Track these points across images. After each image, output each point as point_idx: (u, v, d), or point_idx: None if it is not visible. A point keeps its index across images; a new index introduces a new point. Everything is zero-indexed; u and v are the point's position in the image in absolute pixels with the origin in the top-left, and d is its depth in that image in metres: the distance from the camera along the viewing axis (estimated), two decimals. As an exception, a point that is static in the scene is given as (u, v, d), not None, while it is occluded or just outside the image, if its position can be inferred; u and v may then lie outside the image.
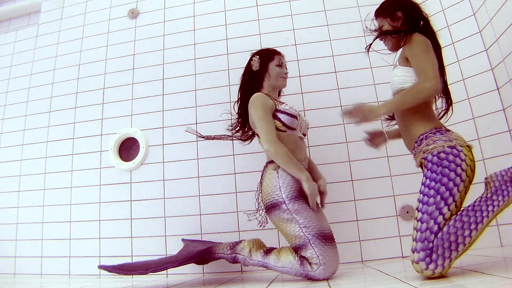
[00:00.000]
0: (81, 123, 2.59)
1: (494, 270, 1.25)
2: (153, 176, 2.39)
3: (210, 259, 1.75)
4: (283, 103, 1.80)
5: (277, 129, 1.72)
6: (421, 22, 1.51)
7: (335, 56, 2.42)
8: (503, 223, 1.92)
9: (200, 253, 1.73)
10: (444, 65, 1.56)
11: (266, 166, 1.76)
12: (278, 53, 1.92)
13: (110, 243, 2.33)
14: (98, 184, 2.44)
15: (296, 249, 1.56)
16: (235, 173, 2.30)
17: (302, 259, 1.53)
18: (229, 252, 1.68)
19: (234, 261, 1.68)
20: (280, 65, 1.88)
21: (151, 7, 2.77)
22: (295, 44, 2.49)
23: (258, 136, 1.81)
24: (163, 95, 2.53)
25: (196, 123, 2.43)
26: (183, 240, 2.15)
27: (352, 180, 2.20)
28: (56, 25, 2.91)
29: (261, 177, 1.76)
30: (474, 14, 2.17)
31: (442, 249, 1.20)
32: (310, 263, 1.51)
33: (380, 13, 1.61)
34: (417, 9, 1.56)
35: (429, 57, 1.39)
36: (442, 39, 2.24)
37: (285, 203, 1.60)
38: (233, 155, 2.31)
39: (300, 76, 2.41)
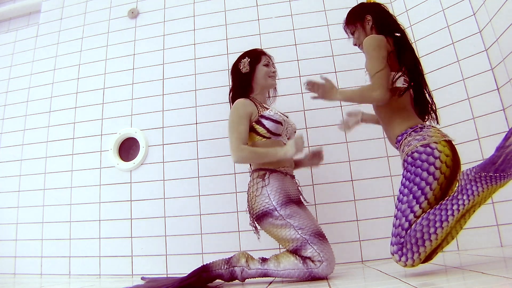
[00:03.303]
0: (81, 123, 2.59)
1: (494, 270, 1.25)
2: (153, 176, 2.39)
3: (208, 278, 1.62)
4: (268, 108, 1.80)
5: (262, 135, 1.72)
6: (391, 25, 1.58)
7: (335, 56, 2.42)
8: (503, 223, 1.92)
9: (197, 272, 1.62)
10: (424, 72, 1.59)
11: (252, 175, 1.75)
12: (265, 54, 1.92)
13: (110, 243, 2.33)
14: (98, 184, 2.44)
15: (295, 252, 1.56)
16: (235, 173, 2.30)
17: (304, 258, 1.53)
18: (225, 266, 1.60)
19: (231, 276, 1.59)
20: (267, 64, 1.88)
21: (151, 7, 2.77)
22: (295, 44, 2.49)
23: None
24: (163, 95, 2.53)
25: (196, 123, 2.43)
26: (142, 278, 1.99)
27: (352, 180, 2.20)
28: (56, 25, 2.90)
29: (248, 186, 1.74)
30: (474, 14, 2.17)
31: (410, 244, 1.28)
32: (313, 261, 1.51)
33: (349, 20, 1.70)
34: (383, 10, 1.64)
35: (378, 61, 1.44)
36: (442, 39, 2.25)
37: (276, 210, 1.60)
38: (233, 155, 2.31)
39: (300, 76, 2.41)
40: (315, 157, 1.91)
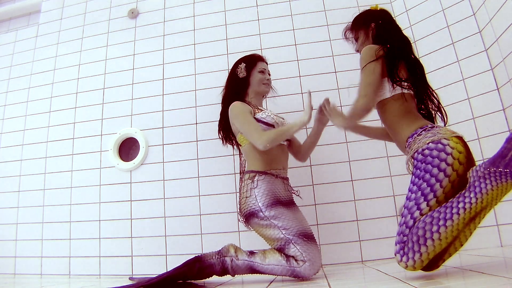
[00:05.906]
0: (81, 123, 2.59)
1: (494, 270, 1.25)
2: (153, 176, 2.39)
3: (201, 268, 1.62)
4: (262, 110, 1.82)
5: None
6: (389, 34, 1.57)
7: (335, 56, 2.42)
8: (503, 223, 1.92)
9: (190, 262, 1.63)
10: (425, 72, 1.57)
11: (243, 175, 1.78)
12: (262, 59, 1.95)
13: (110, 243, 2.33)
14: (98, 184, 2.44)
15: (280, 250, 1.59)
16: (235, 173, 2.30)
17: (288, 256, 1.56)
18: (216, 257, 1.62)
19: (222, 266, 1.61)
20: (263, 71, 1.91)
21: (151, 7, 2.77)
22: (295, 44, 2.49)
23: (240, 145, 1.83)
24: (163, 95, 2.53)
25: (196, 123, 2.43)
26: (130, 278, 2.06)
27: (352, 180, 2.20)
28: (56, 25, 2.90)
29: (240, 186, 1.77)
30: (474, 14, 2.17)
31: (411, 243, 1.21)
32: (296, 260, 1.53)
33: (354, 26, 1.70)
34: (389, 20, 1.64)
35: (365, 73, 1.45)
36: (442, 39, 2.25)
37: (261, 211, 1.63)
38: (233, 155, 2.31)
39: (300, 76, 2.41)
40: (321, 114, 1.78)
